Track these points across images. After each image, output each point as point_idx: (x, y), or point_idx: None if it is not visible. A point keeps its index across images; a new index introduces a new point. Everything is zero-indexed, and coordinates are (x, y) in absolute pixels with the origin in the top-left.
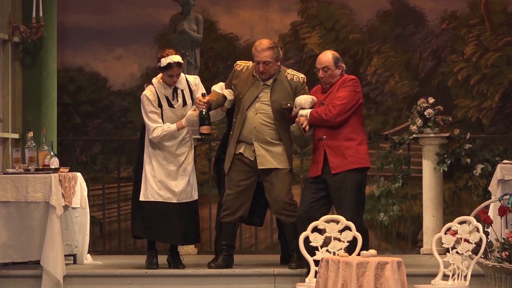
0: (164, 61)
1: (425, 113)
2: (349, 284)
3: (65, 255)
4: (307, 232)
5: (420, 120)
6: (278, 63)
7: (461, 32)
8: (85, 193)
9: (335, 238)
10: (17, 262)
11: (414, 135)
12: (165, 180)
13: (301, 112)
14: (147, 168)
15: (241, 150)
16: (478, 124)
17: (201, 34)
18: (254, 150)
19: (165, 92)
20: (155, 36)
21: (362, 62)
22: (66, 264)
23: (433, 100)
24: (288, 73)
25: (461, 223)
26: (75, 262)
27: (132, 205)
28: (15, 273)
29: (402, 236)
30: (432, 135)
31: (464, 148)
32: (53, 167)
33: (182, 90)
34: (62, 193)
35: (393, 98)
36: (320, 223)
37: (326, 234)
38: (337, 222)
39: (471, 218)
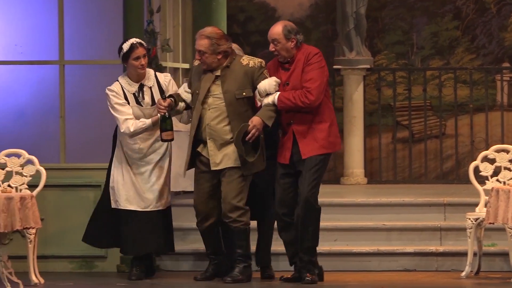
0: (126, 46)
1: None
2: None
3: None
4: (477, 162)
5: None
6: (219, 57)
7: None
8: None
9: (505, 168)
10: (188, 191)
11: None
12: (136, 186)
13: (266, 100)
14: (115, 173)
15: (199, 149)
16: None
17: None
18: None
19: (130, 89)
20: None
21: None
22: None
23: None
24: (244, 59)
25: None
26: None
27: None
28: (187, 202)
29: None
30: None
31: None
32: None
33: (150, 88)
34: None
35: None
36: (490, 152)
37: (496, 164)
38: (507, 151)
39: None
